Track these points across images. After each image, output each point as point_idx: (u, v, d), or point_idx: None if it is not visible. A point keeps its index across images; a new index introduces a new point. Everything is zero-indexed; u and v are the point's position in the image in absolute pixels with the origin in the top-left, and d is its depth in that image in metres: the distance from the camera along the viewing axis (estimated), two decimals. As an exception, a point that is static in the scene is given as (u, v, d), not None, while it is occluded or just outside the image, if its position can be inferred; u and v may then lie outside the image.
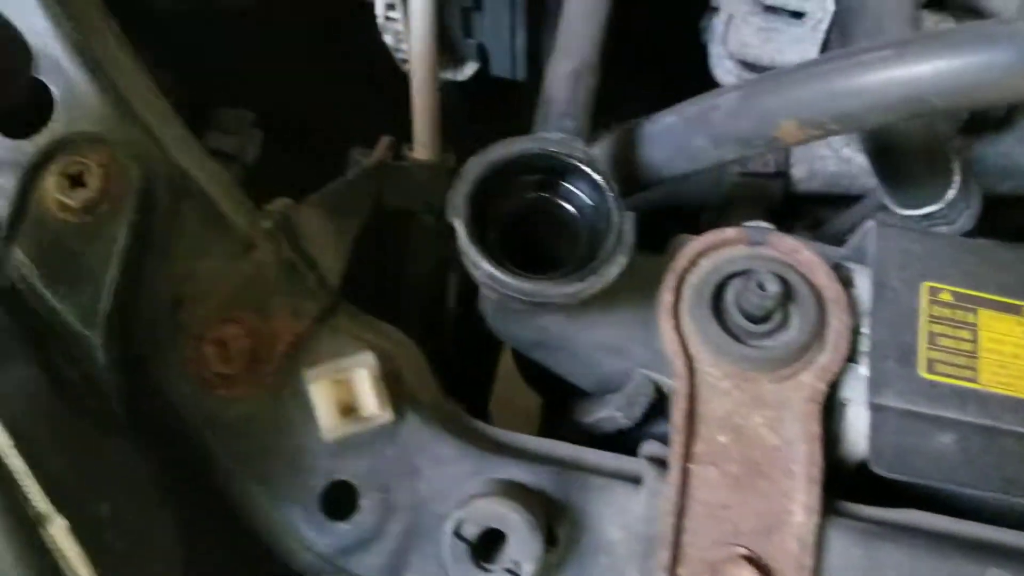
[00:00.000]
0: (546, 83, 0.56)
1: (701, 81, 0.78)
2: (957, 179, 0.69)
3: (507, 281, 0.48)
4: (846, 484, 0.52)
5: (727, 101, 0.54)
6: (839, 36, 0.70)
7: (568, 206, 0.54)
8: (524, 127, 0.55)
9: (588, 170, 0.52)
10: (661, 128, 0.59)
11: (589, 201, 0.53)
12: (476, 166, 0.52)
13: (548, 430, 0.59)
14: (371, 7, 0.73)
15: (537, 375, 0.61)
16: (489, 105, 0.90)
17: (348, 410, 0.47)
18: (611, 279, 0.50)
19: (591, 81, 0.56)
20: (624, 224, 0.50)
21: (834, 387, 0.51)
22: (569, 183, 0.54)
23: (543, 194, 0.54)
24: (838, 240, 0.64)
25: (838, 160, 0.90)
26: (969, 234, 0.74)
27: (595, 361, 0.56)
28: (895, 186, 0.68)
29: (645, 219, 0.60)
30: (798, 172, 0.91)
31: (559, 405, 0.60)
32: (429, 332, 0.60)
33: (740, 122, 0.53)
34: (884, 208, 0.67)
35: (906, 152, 0.63)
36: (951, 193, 0.68)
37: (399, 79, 0.73)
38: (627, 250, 0.51)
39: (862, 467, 0.52)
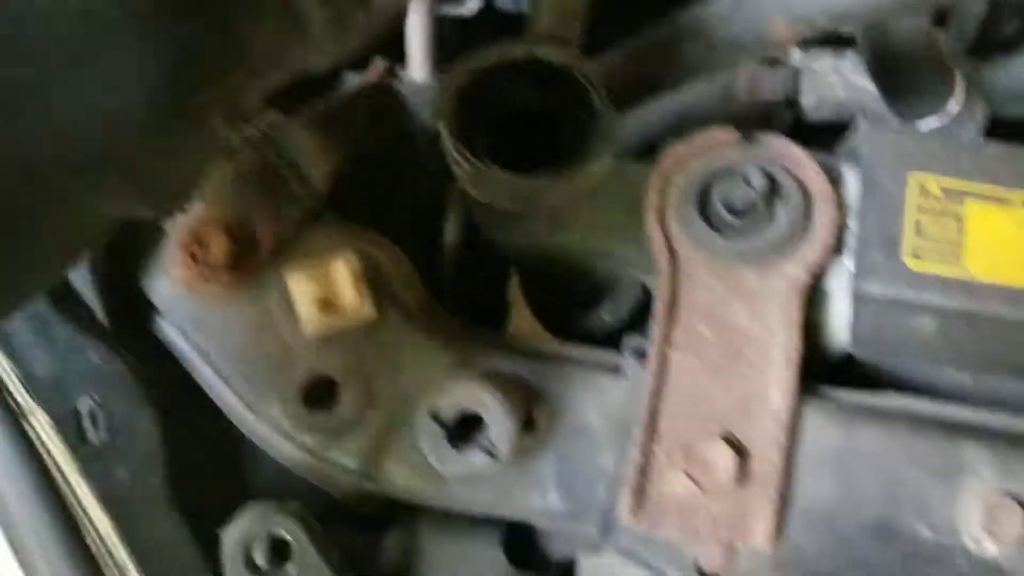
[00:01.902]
0: None
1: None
2: (959, 91, 0.68)
3: (492, 177, 0.49)
4: (831, 374, 0.52)
5: (720, 6, 0.54)
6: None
7: (557, 110, 0.55)
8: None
9: (574, 72, 0.52)
10: (657, 39, 0.59)
11: (577, 104, 0.54)
12: (461, 71, 0.53)
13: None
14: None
15: (538, 296, 0.62)
16: (495, 40, 0.90)
17: (329, 305, 0.49)
18: (595, 177, 0.51)
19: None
20: (609, 123, 0.51)
21: (819, 278, 0.51)
22: (557, 87, 0.54)
23: (531, 97, 0.55)
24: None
25: (847, 87, 0.88)
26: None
27: (586, 266, 0.57)
28: (895, 95, 0.68)
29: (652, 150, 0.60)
30: (807, 101, 0.89)
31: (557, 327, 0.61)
32: (424, 253, 0.61)
33: (733, 25, 0.53)
34: (887, 125, 0.67)
35: (905, 58, 0.63)
36: (953, 104, 0.68)
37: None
38: (612, 148, 0.51)
39: (848, 358, 0.52)
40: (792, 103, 0.90)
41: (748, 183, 0.50)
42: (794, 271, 0.50)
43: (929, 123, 0.67)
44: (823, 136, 0.92)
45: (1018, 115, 0.89)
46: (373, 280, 0.51)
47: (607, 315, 0.55)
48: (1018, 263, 0.49)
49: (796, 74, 0.88)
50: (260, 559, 0.49)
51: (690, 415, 0.48)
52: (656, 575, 0.49)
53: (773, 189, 0.51)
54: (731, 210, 0.51)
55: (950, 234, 0.50)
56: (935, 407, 0.50)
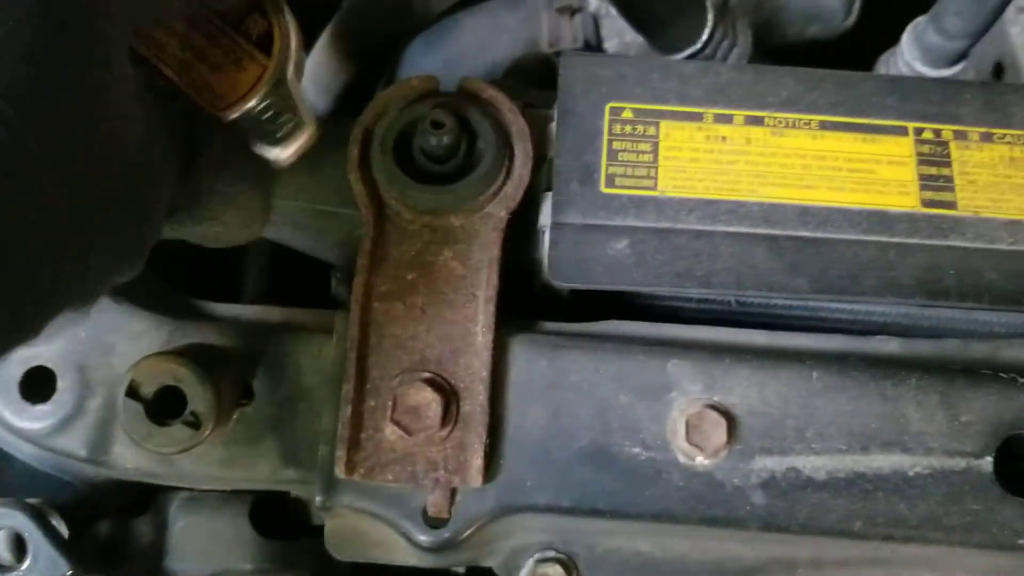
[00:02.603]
0: None
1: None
2: (710, 18, 0.69)
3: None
4: (562, 307, 0.53)
5: None
6: None
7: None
8: None
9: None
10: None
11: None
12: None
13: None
14: None
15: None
16: None
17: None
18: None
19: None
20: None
21: (525, 219, 0.52)
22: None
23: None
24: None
25: (635, 28, 0.89)
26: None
27: (318, 227, 0.57)
28: (650, 33, 0.68)
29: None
30: (609, 46, 0.90)
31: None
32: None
33: None
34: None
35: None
36: (706, 33, 0.68)
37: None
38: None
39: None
40: (594, 48, 0.91)
41: (437, 126, 0.50)
42: (495, 210, 0.50)
43: (689, 51, 0.68)
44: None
45: (818, 35, 0.91)
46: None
47: (340, 275, 0.55)
48: (709, 176, 0.50)
49: (595, 20, 0.89)
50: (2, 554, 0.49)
51: (401, 363, 0.48)
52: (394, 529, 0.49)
53: (469, 132, 0.51)
54: (430, 157, 0.51)
55: (644, 156, 0.51)
56: (643, 328, 0.50)
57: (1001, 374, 0.47)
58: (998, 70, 0.81)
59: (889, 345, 0.50)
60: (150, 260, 0.51)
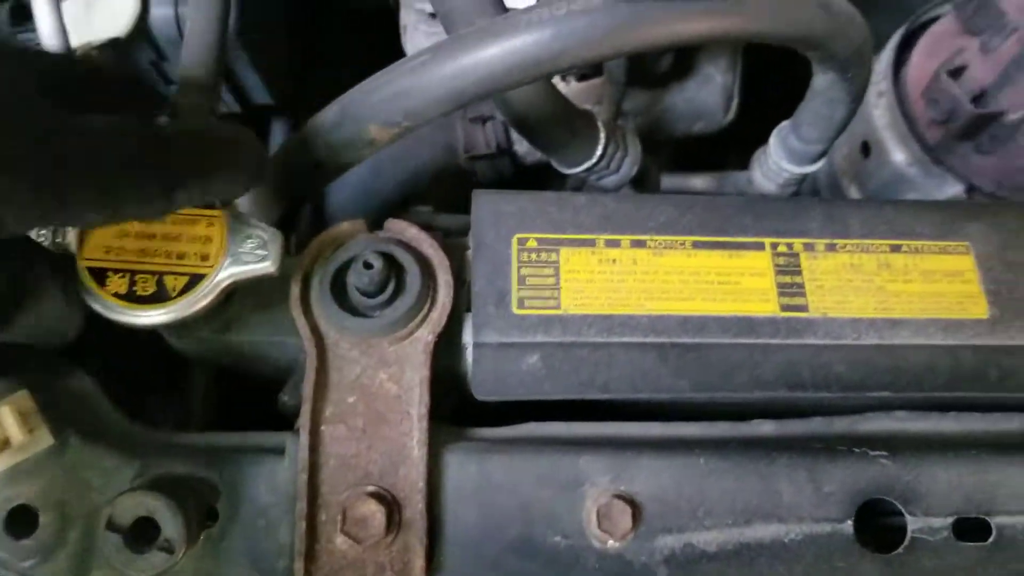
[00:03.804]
0: None
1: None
2: (602, 135, 0.77)
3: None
4: (490, 415, 0.60)
5: (328, 114, 0.61)
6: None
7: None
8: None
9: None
10: (289, 147, 0.66)
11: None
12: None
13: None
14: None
15: (224, 386, 0.68)
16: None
17: (4, 445, 0.54)
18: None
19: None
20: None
21: (451, 337, 0.59)
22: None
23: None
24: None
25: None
26: (643, 175, 0.83)
27: (265, 356, 0.63)
28: (550, 152, 0.77)
29: (391, 211, 0.66)
30: (520, 149, 0.99)
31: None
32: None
33: (341, 131, 0.59)
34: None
35: (542, 125, 0.71)
36: (599, 149, 0.77)
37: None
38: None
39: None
40: (506, 152, 1.00)
41: (367, 266, 0.57)
42: (423, 334, 0.58)
43: (587, 165, 0.77)
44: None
45: (702, 131, 1.02)
46: (54, 407, 0.56)
47: (288, 397, 0.62)
48: (603, 294, 0.59)
49: (505, 127, 0.98)
50: None
51: (347, 479, 0.55)
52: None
53: (396, 267, 0.59)
54: (363, 293, 0.58)
55: (548, 280, 0.59)
56: (557, 428, 0.58)
57: (855, 449, 0.56)
58: (865, 148, 0.92)
59: (764, 428, 0.58)
60: (114, 398, 0.57)
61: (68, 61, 0.47)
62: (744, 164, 0.86)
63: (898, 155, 0.86)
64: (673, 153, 1.03)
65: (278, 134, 1.01)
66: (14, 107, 0.39)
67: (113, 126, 0.42)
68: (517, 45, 0.51)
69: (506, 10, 0.60)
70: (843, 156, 0.96)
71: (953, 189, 0.84)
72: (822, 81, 0.63)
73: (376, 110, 0.57)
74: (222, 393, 0.74)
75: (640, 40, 0.50)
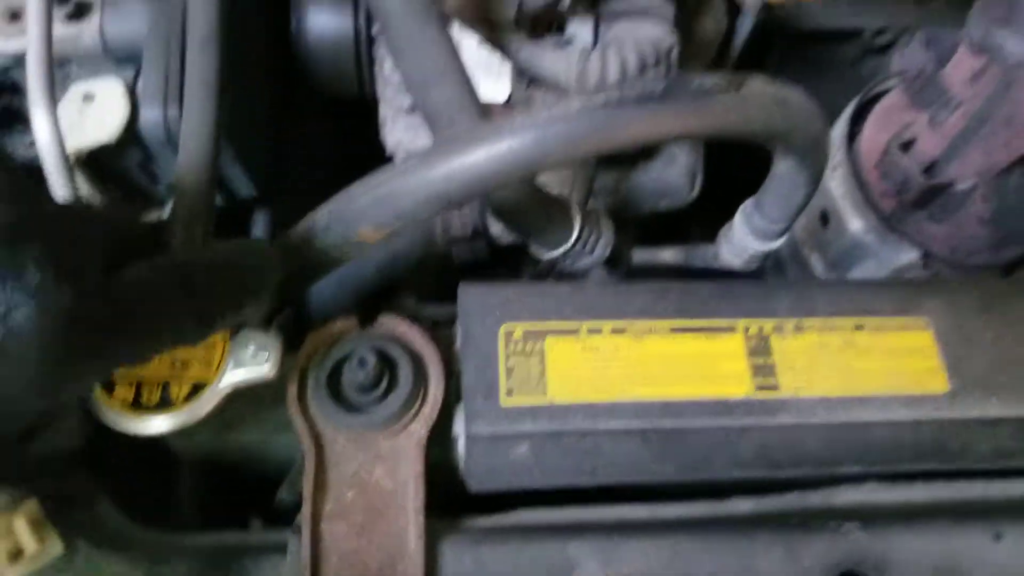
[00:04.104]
0: None
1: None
2: (577, 221, 0.81)
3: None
4: (480, 502, 0.63)
5: (319, 217, 0.64)
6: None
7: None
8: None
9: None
10: (289, 239, 0.69)
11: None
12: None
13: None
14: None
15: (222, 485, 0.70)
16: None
17: (17, 554, 0.55)
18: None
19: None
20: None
21: (442, 429, 0.62)
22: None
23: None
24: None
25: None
26: (616, 255, 0.86)
27: (262, 455, 0.65)
28: (526, 237, 0.80)
29: (371, 295, 0.68)
30: (495, 231, 1.02)
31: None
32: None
33: (330, 235, 0.62)
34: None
35: (520, 215, 0.75)
36: (575, 234, 0.81)
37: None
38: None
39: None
40: (482, 234, 1.03)
41: (362, 364, 0.60)
42: (416, 428, 0.61)
43: (563, 249, 0.81)
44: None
45: (668, 207, 1.06)
46: (62, 515, 0.58)
47: (285, 494, 0.64)
48: (588, 382, 0.62)
49: (482, 210, 1.01)
50: None
51: (345, 575, 0.57)
52: None
53: (388, 363, 0.61)
54: (358, 389, 0.61)
55: (534, 369, 0.62)
56: (547, 515, 0.61)
57: (830, 522, 0.59)
58: (824, 218, 0.97)
59: (743, 506, 0.61)
60: (119, 504, 0.59)
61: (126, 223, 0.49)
62: (707, 233, 0.90)
63: (855, 224, 0.91)
64: (644, 232, 1.07)
65: (260, 225, 1.03)
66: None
67: (150, 277, 0.45)
68: (502, 150, 0.54)
69: (486, 110, 0.64)
70: (803, 227, 1.00)
71: (909, 256, 0.89)
72: (782, 167, 0.68)
73: (367, 213, 0.60)
74: (205, 487, 0.76)
75: (616, 141, 0.54)
